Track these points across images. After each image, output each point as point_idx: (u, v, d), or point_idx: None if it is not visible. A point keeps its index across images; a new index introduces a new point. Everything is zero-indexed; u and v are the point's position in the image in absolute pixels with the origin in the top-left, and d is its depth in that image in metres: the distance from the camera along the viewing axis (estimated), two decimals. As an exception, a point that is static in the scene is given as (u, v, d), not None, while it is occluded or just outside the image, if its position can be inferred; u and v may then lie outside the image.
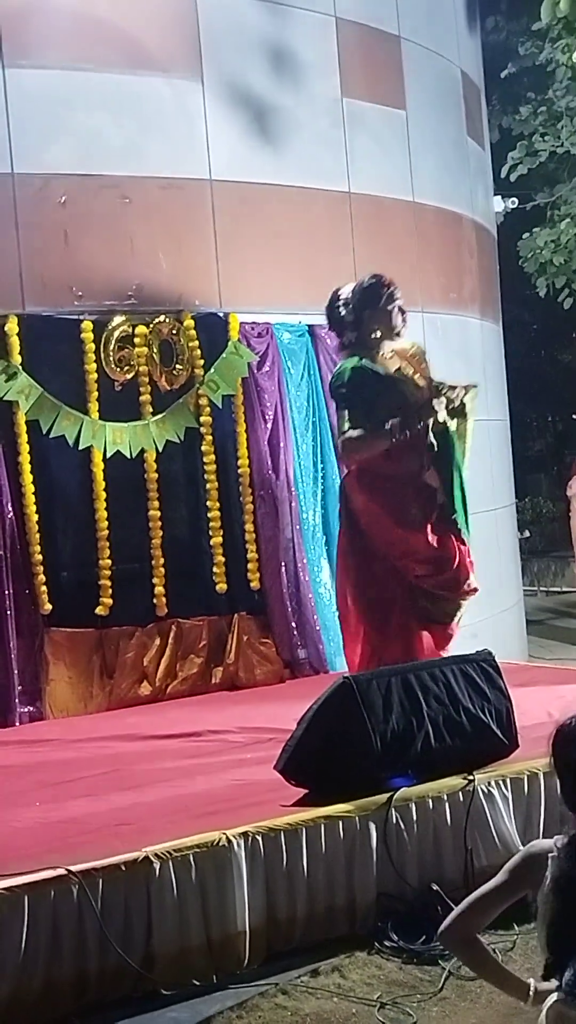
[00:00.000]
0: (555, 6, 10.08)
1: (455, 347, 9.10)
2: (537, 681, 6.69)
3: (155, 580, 7.13)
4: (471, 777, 4.72)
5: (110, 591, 6.99)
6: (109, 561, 6.97)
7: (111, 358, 6.97)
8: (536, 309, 15.96)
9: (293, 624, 7.39)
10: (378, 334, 5.68)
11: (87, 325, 6.92)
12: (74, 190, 6.96)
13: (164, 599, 7.14)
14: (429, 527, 5.71)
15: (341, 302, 5.71)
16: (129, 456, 7.03)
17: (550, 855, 2.91)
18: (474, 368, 9.37)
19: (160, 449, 7.06)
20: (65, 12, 7.00)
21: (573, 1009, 2.76)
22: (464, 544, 5.83)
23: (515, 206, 11.66)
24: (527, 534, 11.69)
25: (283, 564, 7.38)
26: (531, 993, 2.89)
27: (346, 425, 5.58)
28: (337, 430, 5.79)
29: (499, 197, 11.29)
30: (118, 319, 7.01)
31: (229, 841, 4.19)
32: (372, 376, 5.61)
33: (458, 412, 5.75)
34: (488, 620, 9.05)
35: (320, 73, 8.01)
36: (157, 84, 7.28)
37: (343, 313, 5.71)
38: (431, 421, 5.66)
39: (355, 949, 4.30)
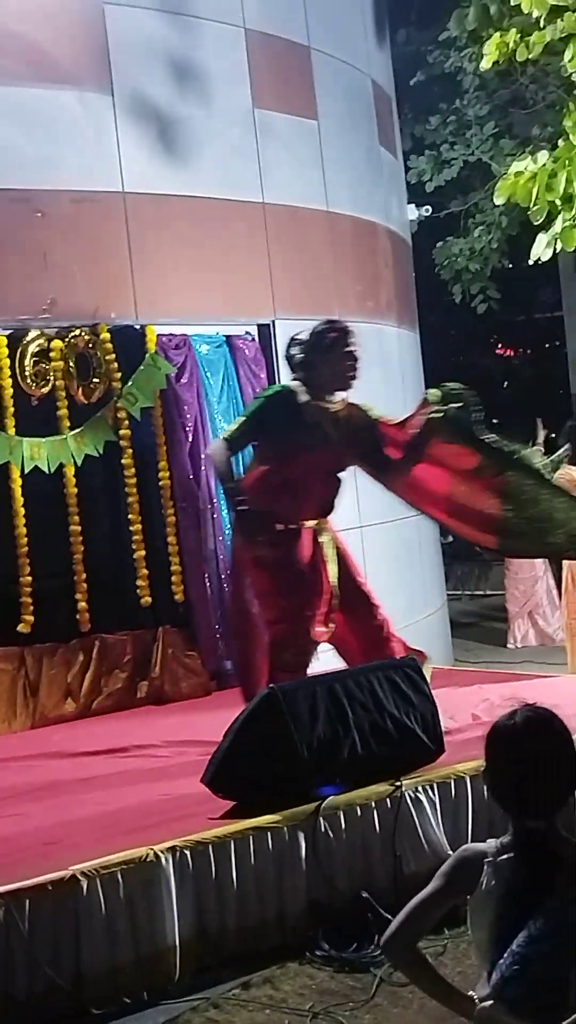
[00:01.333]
0: (464, 18, 10.20)
1: (373, 355, 9.09)
2: (462, 684, 6.73)
3: (78, 595, 7.07)
4: (398, 783, 4.73)
5: (31, 608, 6.91)
6: (30, 578, 6.90)
7: (27, 373, 6.91)
8: (453, 316, 16.07)
9: (218, 636, 7.38)
10: (327, 379, 5.59)
11: (1, 340, 6.86)
12: (-15, 204, 6.90)
13: (87, 614, 7.08)
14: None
15: (295, 344, 5.67)
16: (48, 471, 6.97)
17: (485, 860, 2.91)
18: (392, 375, 9.42)
19: (79, 463, 7.01)
20: (-28, 25, 6.94)
21: (499, 1012, 2.76)
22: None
23: (429, 214, 11.74)
24: (450, 538, 11.75)
25: (207, 575, 7.36)
26: (476, 1009, 2.85)
27: (232, 427, 5.52)
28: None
29: (413, 205, 11.34)
30: (33, 333, 6.95)
31: (157, 856, 4.17)
32: (292, 409, 5.54)
33: None
34: (413, 625, 9.09)
35: (230, 84, 8.02)
36: (67, 97, 7.24)
37: (294, 354, 5.67)
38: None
39: (287, 960, 4.31)
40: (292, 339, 5.71)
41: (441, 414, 5.66)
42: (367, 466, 5.82)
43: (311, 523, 5.65)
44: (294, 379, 5.72)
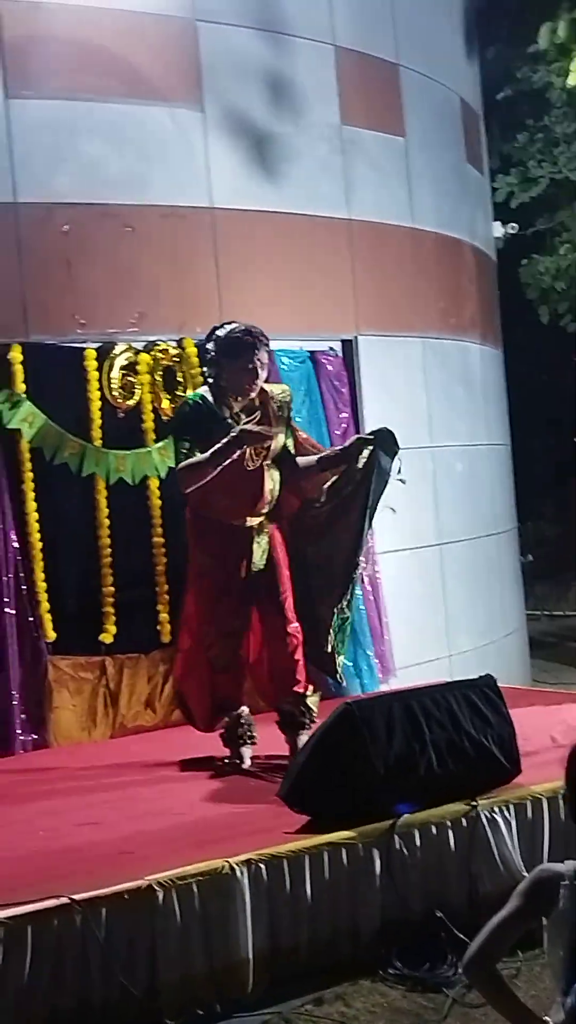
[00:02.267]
0: (553, 33, 10.17)
1: (455, 372, 9.13)
2: (540, 705, 6.68)
3: (159, 607, 7.13)
4: (474, 803, 4.72)
5: (114, 618, 6.99)
6: (113, 588, 6.98)
7: (114, 386, 7.00)
8: (538, 334, 15.99)
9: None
10: (227, 385, 5.56)
11: (90, 353, 6.96)
12: (77, 219, 6.99)
13: (168, 625, 7.13)
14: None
15: (211, 339, 5.67)
16: (132, 483, 7.04)
17: (563, 883, 2.90)
18: (475, 392, 9.41)
19: (163, 476, 7.07)
20: (68, 42, 7.05)
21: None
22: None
23: (515, 232, 11.69)
24: (530, 558, 11.69)
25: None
26: None
27: (182, 454, 5.52)
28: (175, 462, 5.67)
29: (499, 223, 11.32)
30: (121, 347, 7.04)
31: (232, 869, 4.20)
32: (209, 412, 5.54)
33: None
34: (491, 645, 9.07)
35: (319, 101, 8.06)
36: (158, 113, 7.32)
37: (209, 347, 5.68)
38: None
39: (359, 977, 4.31)
40: (211, 333, 5.68)
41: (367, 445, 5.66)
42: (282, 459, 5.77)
43: (251, 521, 5.65)
44: (205, 373, 5.78)
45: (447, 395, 8.92)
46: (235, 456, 5.40)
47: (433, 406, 8.68)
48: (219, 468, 5.38)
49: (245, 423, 5.47)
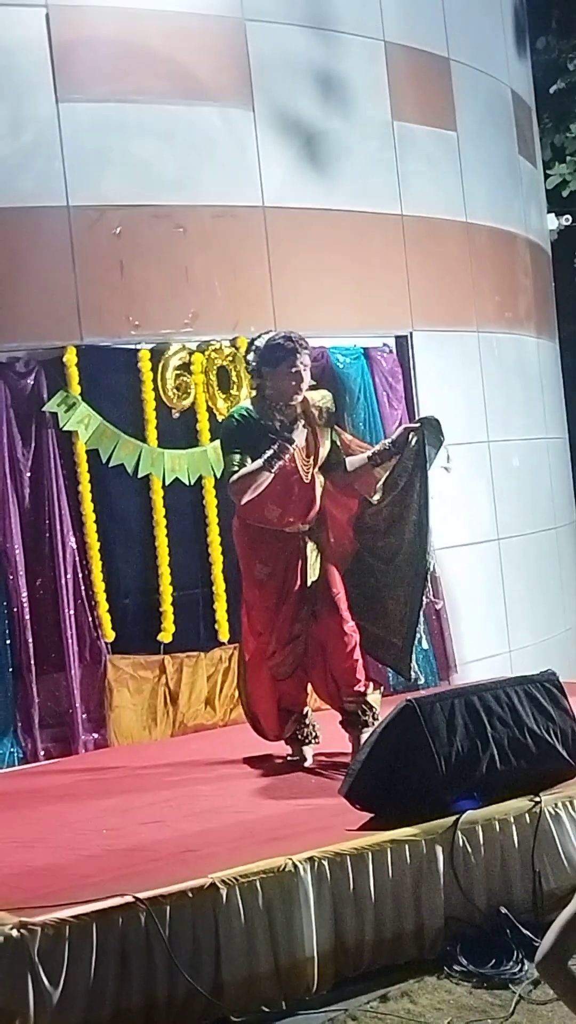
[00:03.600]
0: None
1: (511, 366, 9.08)
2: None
3: (216, 605, 7.16)
4: (538, 799, 4.68)
5: (172, 617, 7.02)
6: (171, 587, 7.01)
7: (168, 386, 7.03)
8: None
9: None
10: (272, 392, 5.54)
11: (144, 354, 6.99)
12: (129, 221, 7.02)
13: (226, 624, 7.15)
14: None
15: (252, 351, 5.67)
16: (188, 483, 7.08)
17: None
18: (531, 385, 9.35)
19: (219, 475, 7.08)
20: (116, 44, 7.08)
21: None
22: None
23: (569, 223, 11.60)
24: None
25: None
26: None
27: (233, 468, 5.51)
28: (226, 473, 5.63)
29: (553, 215, 11.23)
30: (175, 347, 7.06)
31: (295, 866, 4.18)
32: (255, 425, 5.52)
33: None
34: (551, 639, 9.01)
35: (370, 97, 8.05)
36: (209, 113, 7.34)
37: (250, 360, 5.68)
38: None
39: (424, 974, 4.28)
40: (250, 344, 5.71)
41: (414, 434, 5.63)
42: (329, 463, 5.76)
43: (301, 527, 5.64)
44: (251, 385, 5.81)
45: (503, 389, 8.87)
46: (286, 461, 5.41)
47: (489, 400, 8.64)
48: (273, 474, 5.40)
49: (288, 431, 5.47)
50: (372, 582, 5.78)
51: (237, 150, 7.42)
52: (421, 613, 5.75)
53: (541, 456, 9.42)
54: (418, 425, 5.72)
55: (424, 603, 5.73)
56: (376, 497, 5.76)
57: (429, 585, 5.74)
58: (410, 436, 5.66)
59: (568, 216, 11.68)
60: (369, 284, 7.92)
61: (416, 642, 5.76)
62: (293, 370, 5.49)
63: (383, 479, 5.73)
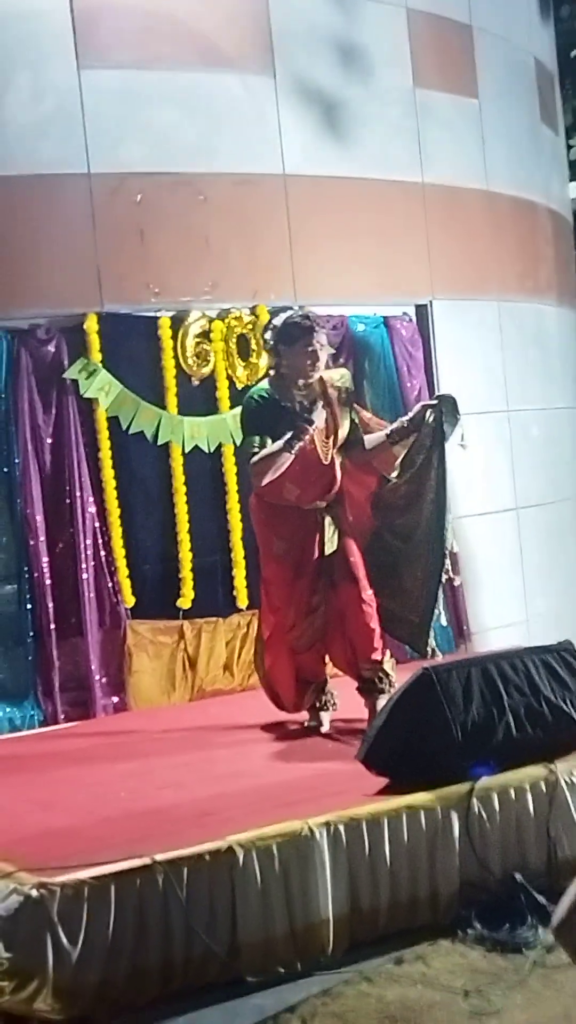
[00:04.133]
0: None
1: (531, 335, 9.06)
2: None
3: (235, 571, 7.20)
4: (553, 767, 4.72)
5: (191, 583, 7.06)
6: (190, 554, 7.05)
7: (188, 354, 7.05)
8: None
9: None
10: (288, 371, 5.58)
11: (164, 322, 7.00)
12: (149, 188, 7.02)
13: (245, 591, 7.19)
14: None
15: (269, 329, 5.69)
16: (207, 450, 7.10)
17: None
18: (551, 354, 9.33)
19: (238, 443, 7.11)
20: (137, 11, 7.06)
21: None
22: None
23: (591, 191, 11.56)
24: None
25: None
26: None
27: (253, 449, 5.54)
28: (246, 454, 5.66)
29: (575, 183, 11.18)
30: (195, 315, 7.07)
31: (311, 830, 4.23)
32: (275, 405, 5.55)
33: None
34: (570, 608, 9.02)
35: (391, 64, 8.00)
36: (229, 81, 7.32)
37: (267, 339, 5.71)
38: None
39: (438, 937, 4.33)
40: (268, 324, 5.76)
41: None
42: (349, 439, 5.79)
43: (318, 504, 5.69)
44: (269, 365, 5.84)
45: (523, 358, 8.85)
46: (305, 442, 5.43)
47: (509, 369, 8.63)
48: (293, 455, 5.43)
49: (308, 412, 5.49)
50: (390, 559, 5.81)
51: (258, 118, 7.39)
52: (440, 591, 5.77)
53: (561, 425, 9.41)
54: (435, 403, 5.74)
55: (443, 580, 5.75)
56: (394, 475, 5.78)
57: (448, 563, 5.76)
58: (428, 413, 5.68)
59: (590, 184, 11.64)
60: (389, 252, 7.90)
61: (434, 619, 5.80)
62: (309, 348, 5.52)
63: (401, 457, 5.75)
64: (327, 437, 5.63)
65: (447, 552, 5.74)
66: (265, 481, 5.52)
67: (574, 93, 12.83)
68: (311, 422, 5.45)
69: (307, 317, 5.60)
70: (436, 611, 5.79)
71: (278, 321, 5.66)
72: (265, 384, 5.72)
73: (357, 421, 5.77)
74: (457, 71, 8.47)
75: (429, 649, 5.83)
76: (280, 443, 5.43)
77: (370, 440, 5.75)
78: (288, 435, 5.42)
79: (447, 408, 5.67)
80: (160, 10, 7.13)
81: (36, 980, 3.83)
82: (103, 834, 4.47)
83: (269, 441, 5.47)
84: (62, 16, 6.82)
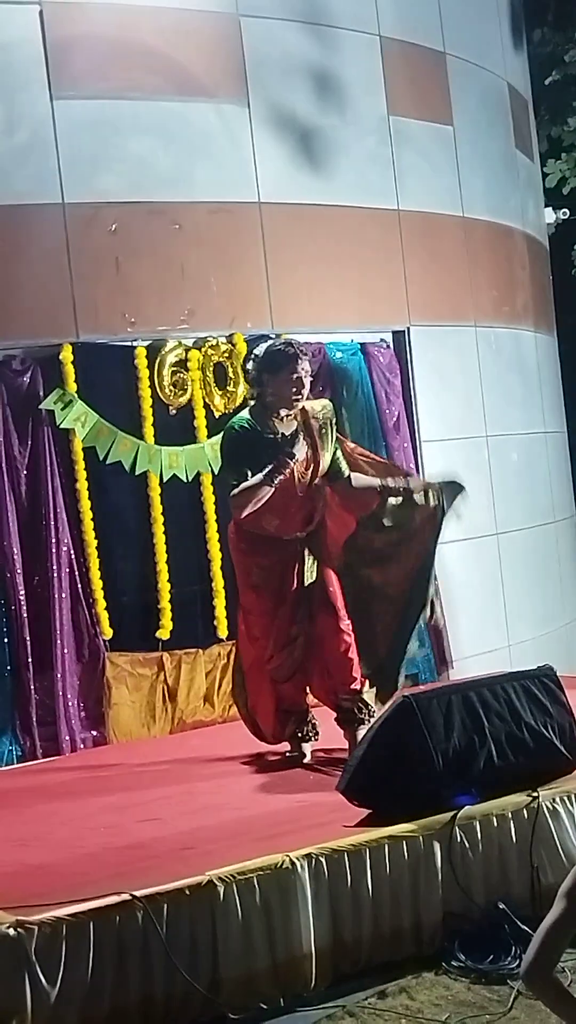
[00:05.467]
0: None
1: (509, 360, 9.07)
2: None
3: (215, 601, 7.16)
4: (535, 794, 4.68)
5: (171, 614, 7.02)
6: (169, 584, 7.01)
7: (165, 383, 7.02)
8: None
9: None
10: (272, 399, 5.54)
11: (140, 351, 6.98)
12: (124, 217, 7.02)
13: (225, 620, 7.15)
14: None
15: (251, 359, 5.67)
16: (185, 479, 7.07)
17: None
18: (530, 379, 9.34)
19: (216, 471, 7.09)
20: (110, 41, 7.06)
21: None
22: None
23: (567, 217, 11.59)
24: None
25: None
26: None
27: (234, 481, 5.49)
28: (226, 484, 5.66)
29: (550, 208, 11.23)
30: (171, 344, 7.06)
31: (293, 863, 4.19)
32: (256, 436, 5.52)
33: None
34: (551, 633, 9.01)
35: (366, 92, 8.03)
36: (204, 109, 7.33)
37: (249, 369, 5.69)
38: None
39: (422, 970, 4.29)
40: (250, 354, 5.74)
41: None
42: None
43: (298, 535, 5.66)
44: (249, 395, 5.82)
45: (501, 383, 8.87)
46: (286, 474, 5.41)
47: (487, 395, 8.64)
48: (274, 487, 5.40)
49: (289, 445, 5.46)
50: (363, 606, 5.81)
51: (232, 146, 7.40)
52: (412, 635, 5.81)
53: (540, 450, 9.41)
54: (438, 485, 5.74)
55: (417, 627, 5.81)
56: (385, 521, 5.77)
57: (425, 616, 5.80)
58: (430, 495, 5.68)
59: (566, 210, 11.70)
60: (366, 279, 7.91)
61: (403, 662, 5.80)
62: (294, 376, 5.49)
63: (386, 510, 5.74)
64: (307, 468, 5.60)
65: (425, 612, 5.79)
66: (245, 513, 5.49)
67: (550, 119, 12.89)
68: (292, 455, 5.42)
69: (290, 344, 5.57)
70: (408, 653, 5.79)
71: (260, 350, 5.63)
72: (246, 414, 5.68)
73: (341, 454, 5.73)
74: (431, 98, 8.50)
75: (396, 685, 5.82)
76: (260, 476, 5.40)
77: (359, 481, 5.73)
78: (269, 467, 5.39)
79: (449, 495, 5.68)
80: (134, 39, 7.14)
81: (14, 1020, 3.76)
82: (82, 870, 4.42)
83: (250, 473, 5.44)
84: (35, 46, 6.83)
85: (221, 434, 5.85)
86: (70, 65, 6.93)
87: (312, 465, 5.59)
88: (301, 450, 5.48)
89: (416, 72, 8.43)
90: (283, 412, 5.53)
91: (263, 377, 5.56)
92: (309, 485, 5.60)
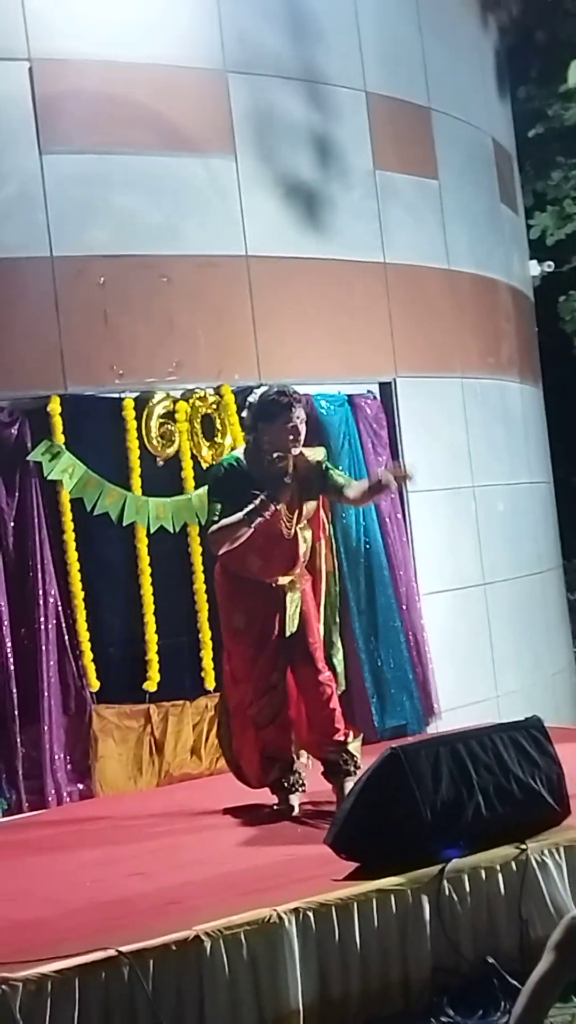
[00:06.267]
0: (579, 71, 10.20)
1: (495, 412, 9.11)
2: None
3: (202, 653, 7.14)
4: (524, 846, 4.66)
5: (158, 666, 7.00)
6: (156, 636, 6.99)
7: (153, 434, 7.04)
8: (577, 370, 15.95)
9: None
10: (268, 446, 5.56)
11: (128, 403, 7.00)
12: (113, 271, 7.06)
13: (212, 672, 7.13)
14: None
15: (247, 407, 5.71)
16: (172, 531, 7.08)
17: None
18: (515, 431, 9.38)
19: (203, 523, 7.08)
20: (99, 97, 7.12)
21: None
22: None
23: (552, 270, 11.68)
24: (577, 596, 11.64)
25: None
26: None
27: (214, 517, 5.53)
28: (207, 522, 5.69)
29: (535, 261, 11.31)
30: (159, 395, 7.08)
31: (280, 918, 4.15)
32: (242, 474, 5.56)
33: None
34: (538, 684, 9.00)
35: (352, 147, 8.11)
36: (192, 164, 7.39)
37: (244, 417, 5.73)
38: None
39: (411, 1025, 4.25)
40: (245, 401, 5.77)
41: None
42: (329, 496, 5.85)
43: (282, 580, 5.68)
44: (245, 440, 5.87)
45: (487, 434, 8.90)
46: (267, 516, 5.42)
47: (473, 446, 8.67)
48: (252, 528, 5.40)
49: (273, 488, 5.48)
50: None
51: (220, 200, 7.46)
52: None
53: (526, 500, 9.44)
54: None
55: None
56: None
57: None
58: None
59: (550, 262, 11.78)
60: (353, 331, 7.95)
61: None
62: (289, 424, 5.52)
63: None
64: (291, 512, 5.61)
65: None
66: (222, 551, 5.50)
67: (535, 174, 13.02)
68: (275, 499, 5.43)
69: (284, 393, 5.59)
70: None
71: (254, 397, 5.65)
72: (238, 452, 5.72)
73: (333, 475, 5.74)
74: (417, 153, 8.59)
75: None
76: (240, 515, 5.41)
77: (356, 486, 5.78)
78: (249, 508, 5.40)
79: None
80: (122, 95, 7.21)
81: (-2, 1080, 3.72)
82: (68, 925, 4.38)
83: (231, 511, 5.44)
84: (24, 101, 6.90)
85: (210, 469, 5.91)
86: (59, 120, 6.99)
87: (296, 509, 5.61)
88: (286, 494, 5.49)
89: (402, 127, 8.52)
90: (275, 456, 5.54)
91: (259, 425, 5.59)
92: (292, 529, 5.62)
